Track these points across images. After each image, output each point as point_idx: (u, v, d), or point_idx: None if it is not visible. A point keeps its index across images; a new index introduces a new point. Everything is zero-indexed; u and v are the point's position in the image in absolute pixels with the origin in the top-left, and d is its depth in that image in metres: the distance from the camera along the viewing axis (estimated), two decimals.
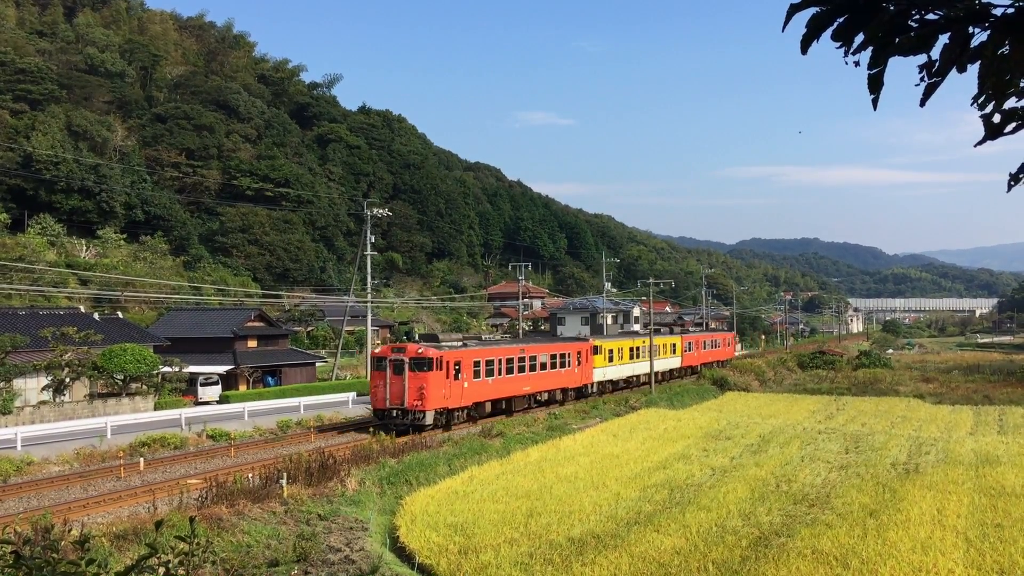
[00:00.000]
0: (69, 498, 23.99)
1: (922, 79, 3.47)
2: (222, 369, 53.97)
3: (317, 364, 62.17)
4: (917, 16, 3.35)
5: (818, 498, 26.22)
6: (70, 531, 13.37)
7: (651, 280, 74.77)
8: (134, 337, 49.54)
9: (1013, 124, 3.42)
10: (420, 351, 36.67)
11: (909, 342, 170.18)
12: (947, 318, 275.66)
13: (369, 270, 53.99)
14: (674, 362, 67.00)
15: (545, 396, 47.38)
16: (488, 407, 41.62)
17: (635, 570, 18.61)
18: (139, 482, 26.37)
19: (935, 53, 3.41)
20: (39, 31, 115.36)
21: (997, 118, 3.45)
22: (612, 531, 21.98)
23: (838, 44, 3.44)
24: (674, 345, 67.53)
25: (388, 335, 78.78)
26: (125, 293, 65.96)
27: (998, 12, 3.28)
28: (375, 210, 54.81)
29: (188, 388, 50.04)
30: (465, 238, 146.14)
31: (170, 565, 5.82)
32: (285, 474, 25.35)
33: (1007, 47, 3.29)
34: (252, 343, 57.87)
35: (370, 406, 40.55)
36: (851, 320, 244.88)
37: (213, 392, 50.96)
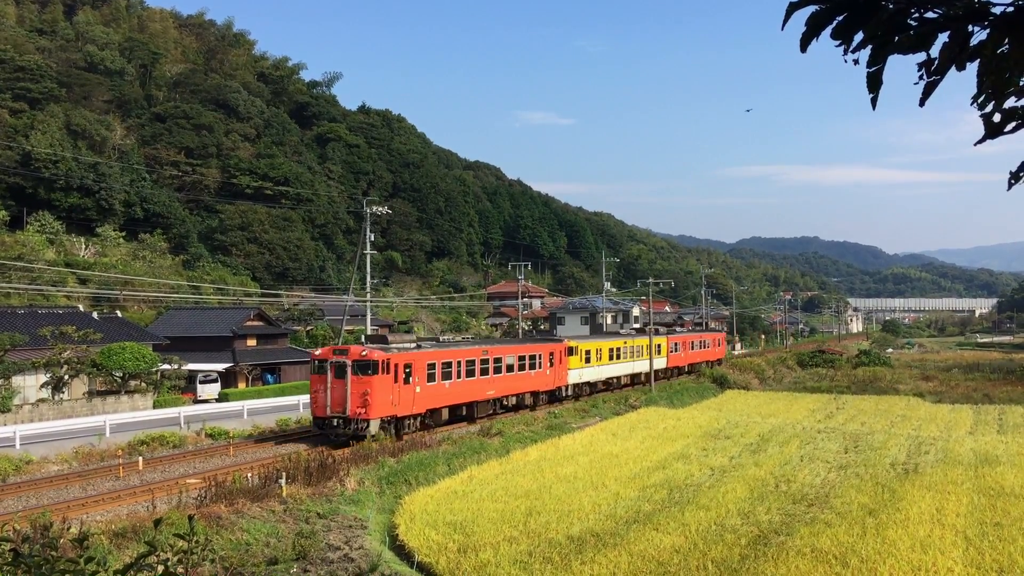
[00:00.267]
0: (68, 497, 23.98)
1: (921, 77, 3.46)
2: (221, 367, 53.97)
3: None
4: (916, 14, 3.34)
5: (817, 497, 26.23)
6: (69, 529, 13.38)
7: (651, 280, 74.85)
8: (133, 336, 49.53)
9: (1013, 123, 3.42)
10: (364, 353, 33.25)
11: (909, 342, 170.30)
12: (947, 318, 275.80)
13: (368, 269, 53.97)
14: (658, 363, 63.95)
15: (513, 400, 44.23)
16: (445, 414, 38.46)
17: (634, 568, 18.61)
18: (138, 481, 26.37)
19: (934, 51, 3.40)
20: (39, 29, 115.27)
21: (997, 117, 3.45)
22: (611, 530, 21.99)
23: (837, 42, 3.44)
24: (659, 346, 64.38)
25: (387, 334, 78.72)
26: (124, 292, 65.94)
27: (997, 11, 3.27)
28: (375, 208, 54.78)
29: (187, 386, 50.04)
30: (465, 237, 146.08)
31: (169, 563, 5.82)
32: (284, 473, 25.35)
33: (1006, 46, 3.28)
34: (251, 342, 57.88)
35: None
36: (851, 320, 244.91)
37: (212, 390, 50.96)
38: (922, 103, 3.56)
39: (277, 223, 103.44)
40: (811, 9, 3.41)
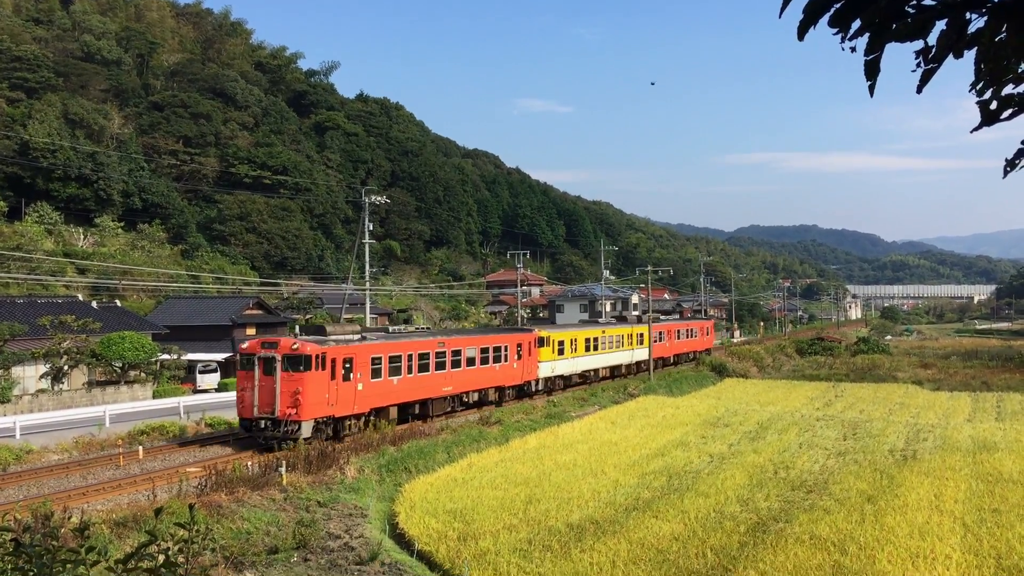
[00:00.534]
0: (69, 486, 24.03)
1: (919, 65, 3.46)
2: (221, 356, 54.02)
3: None
4: (914, 2, 3.34)
5: (816, 484, 26.31)
6: (70, 519, 13.40)
7: (649, 268, 74.68)
8: (132, 325, 49.54)
9: (1009, 110, 3.41)
10: (295, 347, 29.76)
11: (907, 328, 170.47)
12: (945, 305, 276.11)
13: (367, 258, 53.95)
14: (641, 354, 60.46)
15: (475, 396, 40.84)
16: (393, 413, 34.56)
17: (633, 556, 18.68)
18: (138, 470, 26.41)
19: (932, 39, 3.40)
20: (35, 18, 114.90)
21: (994, 104, 3.44)
22: (611, 517, 22.06)
23: (835, 30, 3.43)
24: (641, 335, 60.66)
25: (387, 322, 78.79)
26: (123, 281, 65.92)
27: None
28: (373, 197, 54.71)
29: (187, 376, 50.08)
30: (463, 226, 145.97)
31: (170, 552, 5.84)
32: (284, 462, 25.41)
33: (1004, 33, 3.28)
34: (251, 331, 57.88)
35: None
36: (849, 307, 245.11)
37: (212, 380, 51.00)
38: (919, 90, 3.56)
39: (276, 213, 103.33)
40: None
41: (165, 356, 47.11)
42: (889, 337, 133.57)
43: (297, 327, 36.06)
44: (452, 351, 37.94)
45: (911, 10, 3.32)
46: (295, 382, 29.45)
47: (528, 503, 23.38)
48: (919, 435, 36.76)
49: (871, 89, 3.54)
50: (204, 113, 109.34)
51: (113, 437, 31.43)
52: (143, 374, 45.62)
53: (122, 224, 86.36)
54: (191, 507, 6.30)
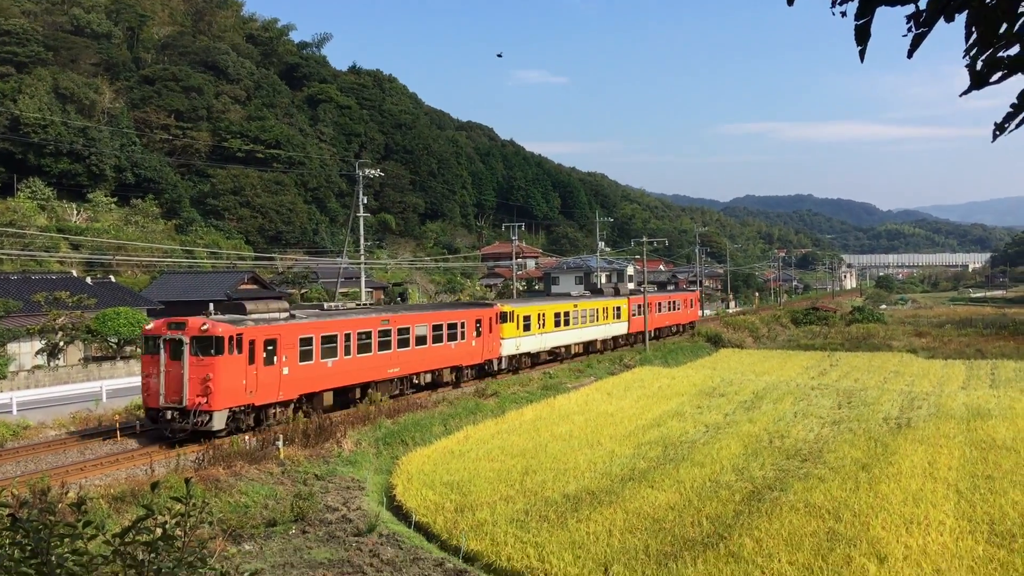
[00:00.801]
0: (66, 461, 24.08)
1: (909, 30, 3.43)
2: None
3: None
4: None
5: (811, 453, 26.48)
6: (67, 493, 13.47)
7: (645, 239, 74.56)
8: (127, 301, 49.45)
9: (999, 73, 3.38)
10: (204, 327, 26.50)
11: (902, 297, 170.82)
12: (940, 273, 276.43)
13: (362, 231, 53.81)
14: (618, 328, 57.76)
15: (428, 378, 37.52)
16: (328, 399, 31.57)
17: (629, 525, 18.82)
18: (136, 445, 26.48)
19: (923, 3, 3.36)
20: None
21: (982, 67, 3.41)
22: (607, 488, 22.20)
23: None
24: (618, 308, 57.65)
25: (382, 296, 78.76)
26: (117, 257, 65.73)
27: None
28: (367, 171, 54.48)
29: None
30: (458, 198, 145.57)
31: (167, 526, 5.86)
32: (282, 436, 25.49)
33: None
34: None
35: None
36: (844, 276, 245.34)
37: None
38: (910, 55, 3.52)
39: (269, 187, 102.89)
40: None
41: None
42: (884, 306, 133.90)
43: (211, 305, 32.26)
44: (399, 329, 34.57)
45: None
46: (205, 367, 26.26)
47: (525, 474, 23.51)
48: (913, 403, 36.96)
49: (861, 54, 3.51)
50: (195, 87, 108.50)
51: (110, 412, 31.48)
52: (139, 349, 45.58)
53: (115, 199, 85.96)
54: (187, 481, 6.31)
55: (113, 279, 56.48)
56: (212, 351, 26.32)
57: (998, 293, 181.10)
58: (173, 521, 5.90)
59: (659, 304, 66.59)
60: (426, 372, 37.18)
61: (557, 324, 48.98)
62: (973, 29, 3.33)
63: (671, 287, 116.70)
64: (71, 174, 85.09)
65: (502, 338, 42.86)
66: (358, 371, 32.52)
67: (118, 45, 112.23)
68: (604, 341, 56.44)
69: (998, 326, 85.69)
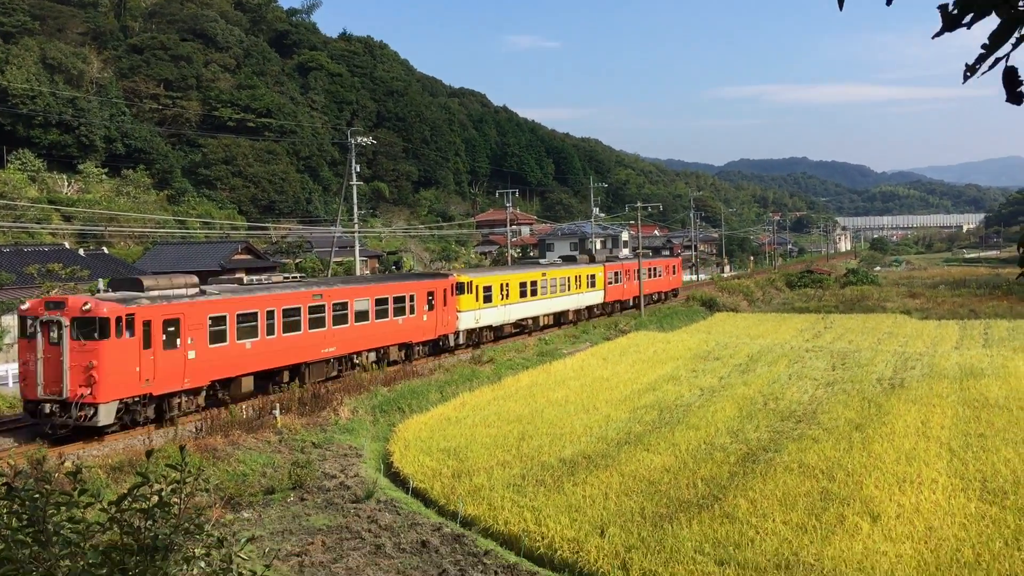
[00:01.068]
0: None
1: None
2: None
3: None
4: None
5: (805, 414, 26.66)
6: (63, 464, 13.53)
7: (639, 204, 74.36)
8: (120, 272, 49.31)
9: (970, 15, 3.32)
10: (86, 307, 23.00)
11: (896, 259, 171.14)
12: (934, 234, 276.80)
13: (355, 200, 53.59)
14: (593, 297, 55.37)
15: (372, 356, 34.25)
16: (247, 383, 27.87)
17: (625, 488, 18.98)
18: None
19: None
20: None
21: (953, 8, 3.35)
22: (603, 451, 22.35)
23: None
24: (592, 276, 55.05)
25: (377, 265, 78.67)
26: (109, 228, 65.46)
27: None
28: (359, 139, 54.14)
29: None
30: (452, 166, 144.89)
31: (163, 494, 5.89)
32: (278, 405, 25.57)
33: None
34: (240, 275, 57.74)
35: None
36: (839, 239, 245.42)
37: None
38: (889, 1, 3.47)
39: (261, 156, 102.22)
40: None
41: None
42: (878, 268, 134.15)
43: (101, 281, 29.60)
44: (334, 304, 31.55)
45: None
46: (89, 353, 22.84)
47: (521, 440, 23.66)
48: (907, 364, 37.17)
49: (840, 2, 3.47)
50: (184, 55, 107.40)
51: None
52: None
53: (106, 170, 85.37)
54: (182, 448, 6.33)
55: (106, 250, 56.30)
56: (96, 334, 22.94)
57: (992, 253, 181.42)
58: (169, 488, 5.94)
59: (637, 271, 63.59)
60: (369, 351, 33.99)
61: (523, 294, 46.26)
62: None
63: (666, 252, 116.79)
64: (61, 145, 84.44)
65: (459, 311, 40.05)
66: (285, 352, 29.18)
67: (105, 14, 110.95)
68: (577, 311, 54.03)
69: (992, 286, 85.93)
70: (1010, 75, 3.36)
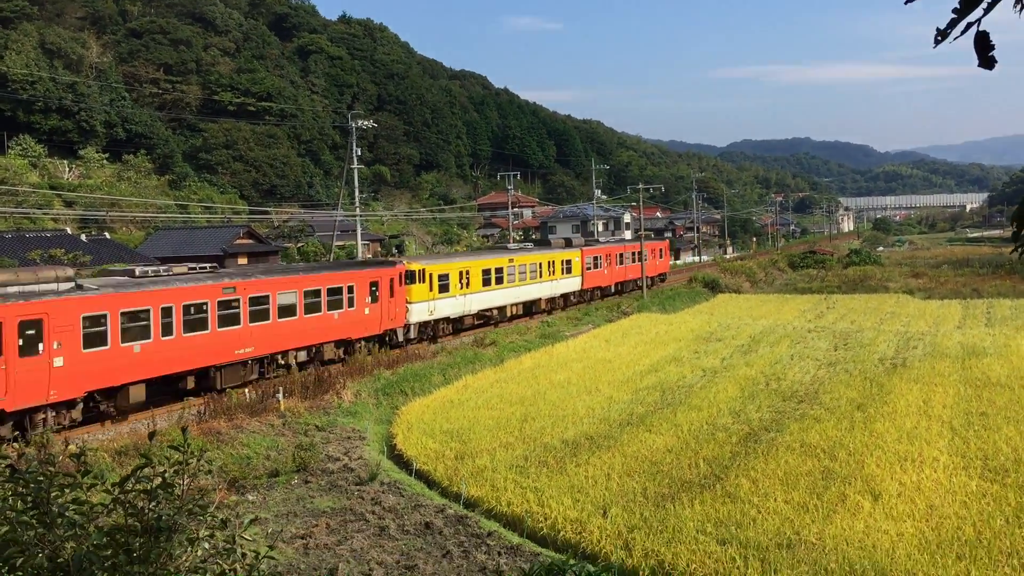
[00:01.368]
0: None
1: None
2: None
3: None
4: None
5: (807, 394, 26.70)
6: (68, 447, 13.61)
7: (641, 186, 74.14)
8: (123, 257, 49.38)
9: None
10: None
11: (899, 239, 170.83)
12: (937, 214, 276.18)
13: (356, 183, 53.54)
14: (569, 284, 52.14)
15: (301, 356, 30.35)
16: (137, 392, 23.67)
17: (628, 468, 19.05)
18: None
19: None
20: None
21: None
22: (605, 433, 22.42)
23: None
24: (568, 262, 51.81)
25: (379, 249, 78.70)
26: (111, 213, 65.47)
27: None
28: (360, 122, 54.03)
29: None
30: (453, 148, 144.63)
31: (166, 475, 5.93)
32: (281, 388, 25.65)
33: None
34: (242, 260, 57.77)
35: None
36: (842, 219, 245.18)
37: None
38: None
39: (262, 140, 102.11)
40: None
41: None
42: (881, 248, 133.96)
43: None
44: (252, 299, 27.66)
45: None
46: None
47: (524, 421, 23.73)
48: (909, 343, 37.17)
49: None
50: (184, 39, 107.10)
51: None
52: None
53: (107, 155, 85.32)
54: (184, 429, 6.38)
55: (108, 236, 56.33)
56: None
57: (995, 232, 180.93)
58: (172, 470, 5.98)
59: (620, 255, 60.62)
60: (298, 349, 30.13)
61: (486, 283, 42.90)
62: None
63: (668, 234, 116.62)
64: (61, 130, 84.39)
65: (409, 302, 36.49)
66: (187, 354, 25.17)
67: None
68: (551, 300, 50.68)
69: (994, 265, 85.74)
70: (982, 40, 3.35)
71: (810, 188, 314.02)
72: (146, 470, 5.88)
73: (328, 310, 31.20)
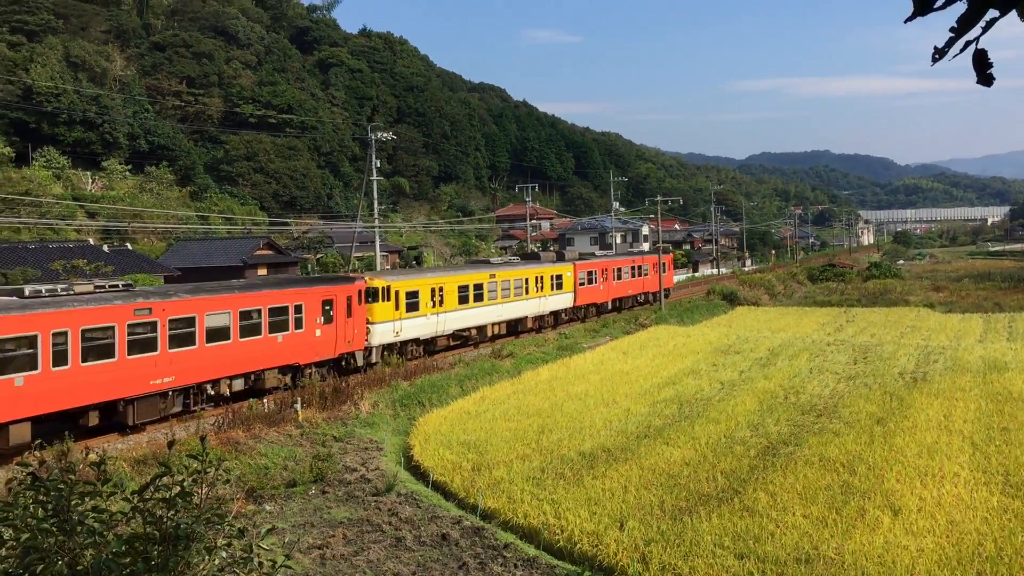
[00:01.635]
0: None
1: None
2: None
3: None
4: None
5: (826, 408, 26.53)
6: (87, 456, 13.72)
7: (659, 198, 74.06)
8: (144, 268, 49.82)
9: (942, 0, 3.34)
10: None
11: (920, 252, 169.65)
12: (959, 227, 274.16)
13: (375, 195, 53.83)
14: (559, 301, 48.84)
15: (239, 384, 26.93)
16: (20, 432, 20.50)
17: (645, 481, 18.98)
18: None
19: None
20: None
21: None
22: (622, 445, 22.36)
23: None
24: (558, 277, 48.52)
25: (397, 260, 78.97)
26: (133, 224, 66.05)
27: None
28: (379, 134, 54.37)
29: None
30: (472, 160, 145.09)
31: (185, 484, 5.98)
32: (299, 399, 25.76)
33: None
34: (262, 271, 58.15)
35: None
36: (862, 232, 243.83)
37: None
38: None
39: (282, 152, 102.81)
40: None
41: None
42: (901, 261, 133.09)
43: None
44: (173, 321, 24.18)
45: None
46: None
47: (541, 433, 23.70)
48: (929, 357, 36.88)
49: None
50: (206, 52, 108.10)
51: None
52: None
53: (129, 167, 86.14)
54: (203, 439, 6.44)
55: (130, 247, 56.83)
56: None
57: (1017, 246, 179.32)
58: (191, 479, 6.03)
59: (618, 270, 56.97)
60: (232, 377, 26.65)
61: (463, 300, 39.52)
62: None
63: (687, 246, 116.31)
64: (85, 142, 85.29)
65: (371, 323, 33.12)
66: (87, 386, 21.93)
67: (128, 11, 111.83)
68: (539, 318, 47.28)
69: (1016, 279, 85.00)
70: (980, 58, 3.37)
71: (830, 201, 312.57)
72: (165, 479, 5.94)
73: (270, 332, 27.75)
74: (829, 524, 15.78)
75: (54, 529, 5.68)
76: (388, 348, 34.67)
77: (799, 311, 63.46)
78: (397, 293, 34.77)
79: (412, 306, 35.73)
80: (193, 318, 24.86)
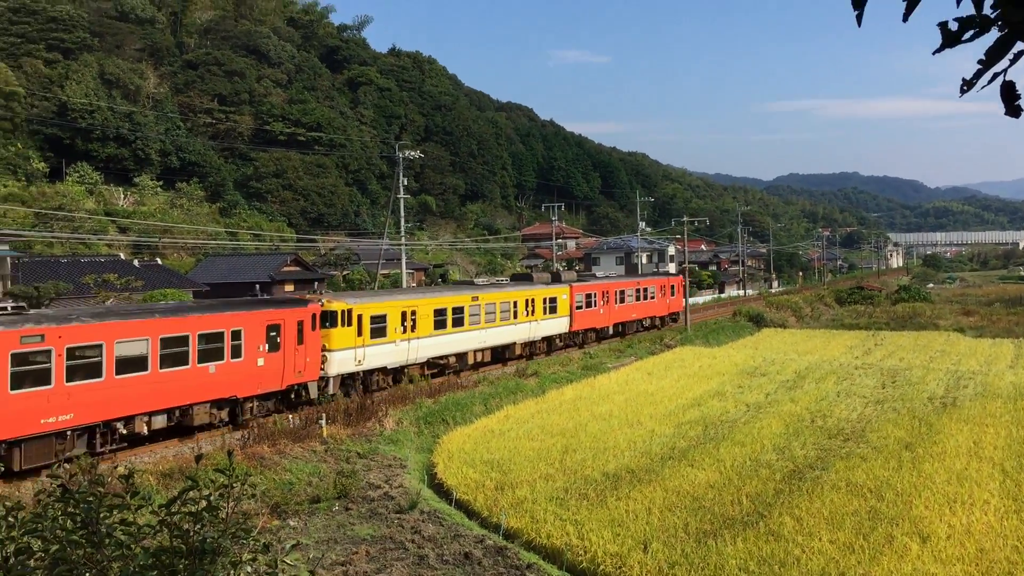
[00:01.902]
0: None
1: None
2: None
3: None
4: None
5: (853, 432, 26.25)
6: (116, 468, 13.88)
7: (685, 218, 73.86)
8: (173, 283, 50.37)
9: (971, 31, 3.36)
10: None
11: (950, 276, 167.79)
12: (990, 251, 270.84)
13: (402, 213, 54.16)
14: (554, 325, 45.61)
15: (160, 421, 23.46)
16: None
17: (669, 503, 18.85)
18: None
19: None
20: None
21: (954, 26, 3.40)
22: (646, 466, 22.23)
23: None
24: (552, 300, 45.33)
25: (423, 278, 79.28)
26: (163, 240, 66.83)
27: None
28: (407, 152, 54.76)
29: None
30: (498, 179, 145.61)
31: (211, 498, 6.04)
32: (324, 415, 25.86)
33: None
34: (289, 287, 58.58)
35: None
36: (890, 255, 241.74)
37: None
38: (905, 19, 3.51)
39: (311, 169, 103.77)
40: None
41: None
42: (931, 285, 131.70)
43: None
44: (70, 349, 20.78)
45: None
46: None
47: (565, 453, 23.63)
48: (959, 382, 36.42)
49: (859, 19, 3.52)
50: (238, 71, 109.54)
51: None
52: None
53: (160, 183, 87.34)
54: (230, 453, 6.50)
55: (160, 261, 57.52)
56: None
57: None
58: (217, 493, 6.09)
59: (621, 293, 53.59)
60: (152, 414, 23.11)
61: (441, 324, 36.04)
62: None
63: (713, 267, 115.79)
64: (118, 158, 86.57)
65: (328, 350, 29.76)
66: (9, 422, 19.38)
67: (162, 30, 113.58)
68: (529, 344, 43.71)
69: None
70: (1008, 89, 3.41)
71: (858, 223, 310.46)
72: (192, 493, 6.00)
73: (200, 362, 24.22)
74: (856, 550, 15.59)
75: (82, 541, 5.74)
76: (349, 378, 31.44)
77: (826, 333, 62.93)
78: (360, 317, 31.28)
79: (378, 331, 32.21)
80: (100, 346, 21.47)
